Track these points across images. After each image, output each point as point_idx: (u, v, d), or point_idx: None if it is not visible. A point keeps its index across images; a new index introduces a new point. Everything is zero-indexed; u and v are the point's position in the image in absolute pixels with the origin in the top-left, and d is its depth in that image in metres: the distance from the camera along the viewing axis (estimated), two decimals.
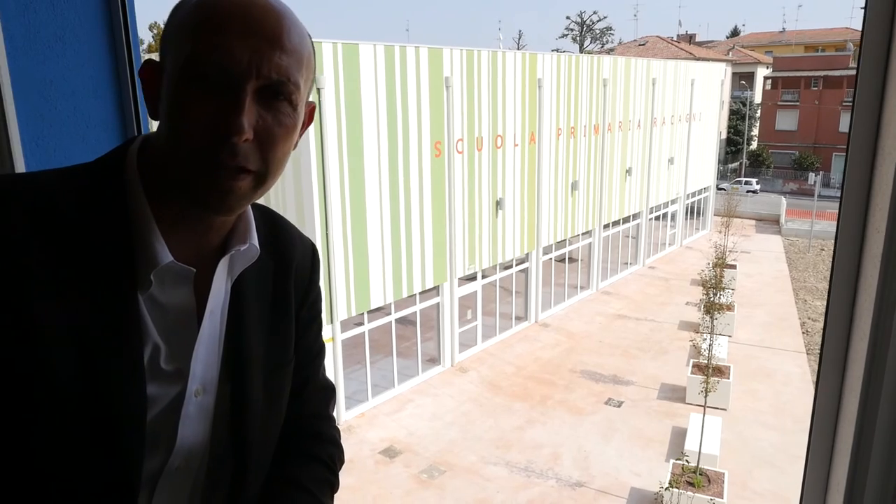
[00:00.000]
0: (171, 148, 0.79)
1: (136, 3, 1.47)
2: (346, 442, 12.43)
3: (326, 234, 12.37)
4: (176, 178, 0.80)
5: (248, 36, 0.76)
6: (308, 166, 11.98)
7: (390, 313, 14.27)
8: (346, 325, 13.27)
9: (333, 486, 1.08)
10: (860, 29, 0.90)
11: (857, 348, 0.87)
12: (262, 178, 0.82)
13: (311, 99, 0.91)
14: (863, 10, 0.89)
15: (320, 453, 1.09)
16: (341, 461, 1.14)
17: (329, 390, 1.16)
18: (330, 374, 12.32)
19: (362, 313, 13.53)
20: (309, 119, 0.91)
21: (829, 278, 0.95)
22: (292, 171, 12.33)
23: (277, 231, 1.04)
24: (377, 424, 13.27)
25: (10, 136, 1.22)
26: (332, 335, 12.86)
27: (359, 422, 13.33)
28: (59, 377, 0.76)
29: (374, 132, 12.91)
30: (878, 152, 0.86)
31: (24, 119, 1.26)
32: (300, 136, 0.89)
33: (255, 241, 0.92)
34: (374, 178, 13.11)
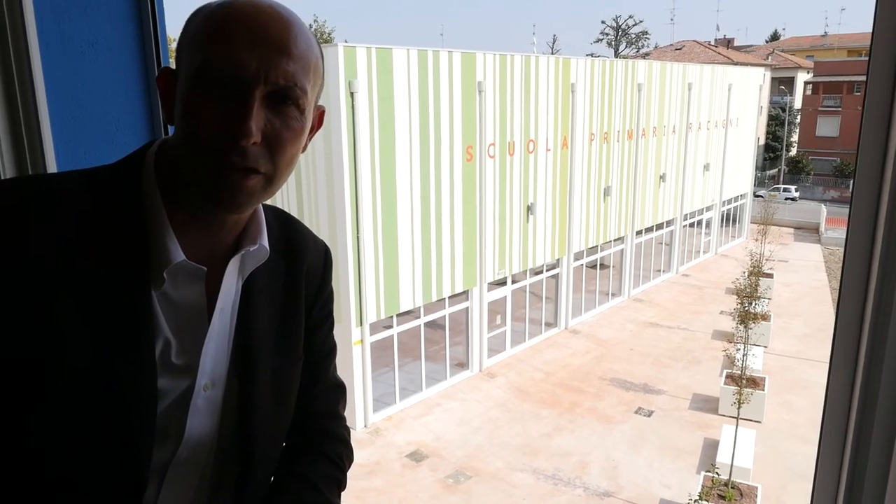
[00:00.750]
0: (184, 150, 0.83)
1: (167, 9, 1.53)
2: (372, 445, 12.50)
3: (357, 238, 12.49)
4: (189, 178, 0.84)
5: (256, 44, 0.80)
6: (340, 170, 12.11)
7: (419, 317, 14.33)
8: (375, 328, 13.36)
9: (341, 483, 1.11)
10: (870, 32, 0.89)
11: (863, 351, 0.86)
12: (271, 179, 0.85)
13: (320, 103, 0.94)
14: (873, 14, 0.88)
15: (329, 451, 1.11)
16: (350, 459, 1.16)
17: (339, 389, 1.19)
18: (358, 376, 12.45)
19: (391, 316, 13.61)
20: (318, 123, 0.94)
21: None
22: (325, 175, 12.48)
23: (290, 233, 1.07)
24: (404, 428, 13.32)
25: (43, 138, 1.27)
26: (361, 338, 12.96)
27: (386, 425, 13.40)
28: (73, 369, 0.80)
29: (406, 136, 12.99)
30: (886, 157, 0.86)
31: (56, 122, 1.32)
32: (310, 139, 0.92)
33: (266, 242, 0.95)
34: (406, 182, 13.19)
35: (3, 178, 1.24)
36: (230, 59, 0.79)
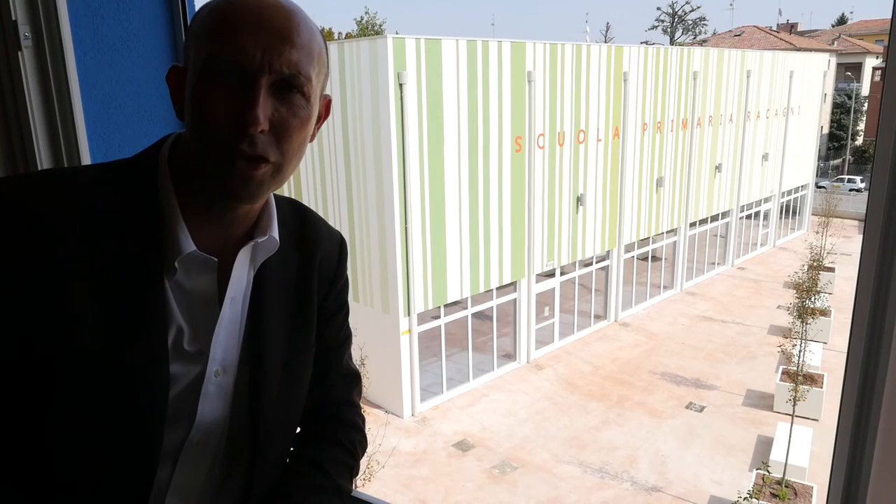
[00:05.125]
0: (195, 141, 0.86)
1: (196, 8, 1.57)
2: (419, 434, 12.57)
3: (405, 228, 12.57)
4: (200, 169, 0.87)
5: (260, 34, 0.82)
6: (389, 161, 12.20)
7: (467, 307, 14.36)
8: (422, 318, 13.45)
9: (353, 469, 1.13)
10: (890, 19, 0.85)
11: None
12: (280, 167, 0.87)
13: (327, 92, 0.96)
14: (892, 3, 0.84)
15: (342, 437, 1.13)
16: (363, 447, 1.18)
17: (354, 377, 1.21)
18: (406, 366, 12.56)
19: (439, 307, 13.68)
20: (325, 112, 0.96)
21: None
22: (373, 166, 12.59)
23: (305, 224, 1.09)
24: (451, 418, 13.39)
25: (77, 133, 1.33)
26: (409, 328, 13.07)
27: (433, 414, 13.50)
28: (89, 355, 0.83)
29: (454, 127, 12.99)
30: None
31: (91, 117, 1.38)
32: (317, 128, 0.94)
33: (275, 234, 0.97)
34: (454, 173, 13.20)
35: (38, 170, 1.31)
36: (235, 49, 0.81)
